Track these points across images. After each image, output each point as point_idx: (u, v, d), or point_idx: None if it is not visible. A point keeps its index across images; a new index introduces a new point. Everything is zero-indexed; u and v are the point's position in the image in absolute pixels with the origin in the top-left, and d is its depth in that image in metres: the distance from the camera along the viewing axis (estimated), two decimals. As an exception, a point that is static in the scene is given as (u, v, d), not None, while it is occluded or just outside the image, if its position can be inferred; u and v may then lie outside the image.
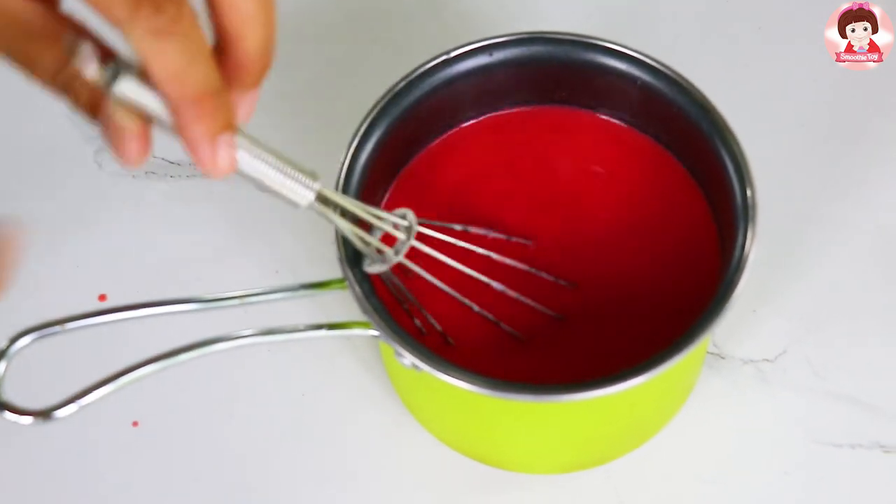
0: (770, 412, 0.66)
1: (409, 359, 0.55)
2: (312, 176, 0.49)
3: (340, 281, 0.57)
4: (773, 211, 0.69)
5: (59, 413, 0.51)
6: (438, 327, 0.60)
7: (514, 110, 0.66)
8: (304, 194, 0.48)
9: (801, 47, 0.75)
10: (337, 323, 0.57)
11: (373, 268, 0.56)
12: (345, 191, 0.59)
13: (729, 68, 0.76)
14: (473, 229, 0.61)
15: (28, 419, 0.51)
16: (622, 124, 0.64)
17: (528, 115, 0.66)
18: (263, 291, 0.57)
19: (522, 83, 0.64)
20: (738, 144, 0.58)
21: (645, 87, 0.61)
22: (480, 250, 0.60)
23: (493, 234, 0.61)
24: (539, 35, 0.62)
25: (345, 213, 0.55)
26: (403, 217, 0.56)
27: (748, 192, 0.57)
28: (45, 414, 0.51)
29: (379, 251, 0.56)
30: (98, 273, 0.71)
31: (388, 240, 0.56)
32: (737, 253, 0.56)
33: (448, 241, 0.59)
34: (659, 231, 0.62)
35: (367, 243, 0.56)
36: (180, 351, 0.54)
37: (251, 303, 0.56)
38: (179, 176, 0.75)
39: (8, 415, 0.51)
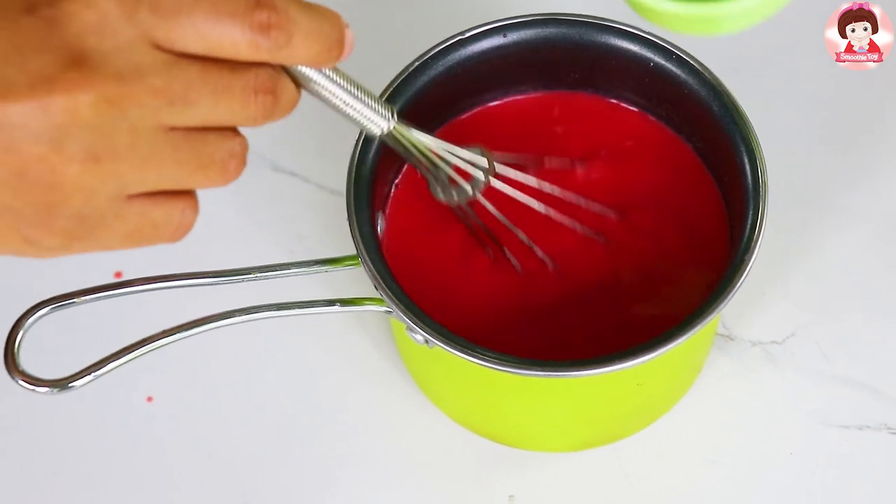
0: (778, 393, 0.67)
1: (420, 334, 0.56)
2: (391, 109, 0.50)
3: (354, 257, 0.58)
4: (782, 197, 0.70)
5: (75, 383, 0.52)
6: (533, 246, 0.61)
7: (528, 94, 0.66)
8: (381, 124, 0.50)
9: (811, 36, 0.75)
10: (350, 299, 0.58)
11: (445, 197, 0.58)
12: (358, 170, 0.59)
13: (738, 55, 0.76)
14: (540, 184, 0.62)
15: (44, 389, 0.52)
16: (634, 108, 0.65)
17: (542, 99, 0.66)
18: (277, 266, 0.57)
19: (536, 65, 0.64)
20: (748, 125, 0.59)
21: (657, 68, 0.62)
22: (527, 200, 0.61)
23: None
24: (553, 17, 0.63)
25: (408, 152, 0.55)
26: (480, 154, 0.58)
27: (759, 172, 0.58)
28: (60, 384, 0.52)
29: (453, 182, 0.57)
30: (114, 258, 0.72)
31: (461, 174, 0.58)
32: (747, 233, 0.57)
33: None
34: (670, 212, 0.62)
35: (443, 171, 0.57)
36: (194, 324, 0.55)
37: (265, 278, 0.57)
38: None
39: (24, 384, 0.52)
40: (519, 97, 0.66)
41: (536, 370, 0.54)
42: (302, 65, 0.44)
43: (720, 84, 0.60)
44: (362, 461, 0.66)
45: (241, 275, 0.57)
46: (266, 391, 0.68)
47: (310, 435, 0.67)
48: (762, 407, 0.67)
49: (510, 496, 0.65)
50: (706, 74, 0.60)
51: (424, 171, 0.57)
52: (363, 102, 0.48)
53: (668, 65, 0.61)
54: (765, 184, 0.58)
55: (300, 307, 0.57)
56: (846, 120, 0.74)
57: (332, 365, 0.69)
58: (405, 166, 0.64)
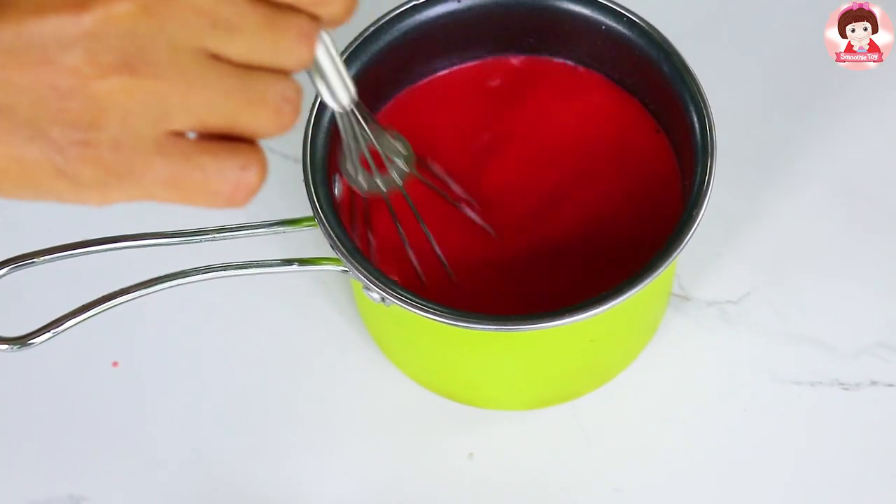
0: (733, 352, 0.68)
1: (376, 292, 0.57)
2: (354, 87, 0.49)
3: (311, 219, 0.59)
4: (738, 160, 0.71)
5: (34, 341, 0.53)
6: (442, 258, 0.61)
7: (484, 59, 0.67)
8: (344, 100, 0.48)
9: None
10: (307, 259, 0.59)
11: (365, 186, 0.56)
12: (314, 136, 0.60)
13: (697, 24, 0.77)
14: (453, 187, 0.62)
15: (4, 346, 0.53)
16: (589, 70, 0.66)
17: (498, 64, 0.67)
18: (237, 227, 0.58)
19: (491, 30, 0.65)
20: (697, 83, 0.60)
21: (609, 31, 0.63)
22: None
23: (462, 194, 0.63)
24: (506, -18, 0.64)
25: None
26: (400, 145, 0.56)
27: (707, 129, 0.59)
28: (20, 341, 0.53)
29: (382, 169, 0.56)
30: (75, 218, 0.72)
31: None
32: (696, 189, 0.58)
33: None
34: (624, 172, 0.63)
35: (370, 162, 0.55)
36: (152, 282, 0.56)
37: (224, 238, 0.58)
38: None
39: (-17, 341, 0.52)
40: (475, 62, 0.67)
41: (486, 324, 0.55)
42: (333, 17, 0.41)
43: (669, 45, 0.61)
44: (324, 421, 0.67)
45: (200, 235, 0.57)
46: (230, 355, 0.69)
47: (273, 396, 0.68)
48: (717, 365, 0.68)
49: (470, 454, 0.66)
50: (655, 35, 0.61)
51: (352, 156, 0.55)
52: (339, 73, 0.47)
53: (620, 27, 0.62)
54: (713, 140, 0.58)
55: (259, 266, 0.58)
56: (800, 85, 0.75)
57: (296, 329, 0.70)
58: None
